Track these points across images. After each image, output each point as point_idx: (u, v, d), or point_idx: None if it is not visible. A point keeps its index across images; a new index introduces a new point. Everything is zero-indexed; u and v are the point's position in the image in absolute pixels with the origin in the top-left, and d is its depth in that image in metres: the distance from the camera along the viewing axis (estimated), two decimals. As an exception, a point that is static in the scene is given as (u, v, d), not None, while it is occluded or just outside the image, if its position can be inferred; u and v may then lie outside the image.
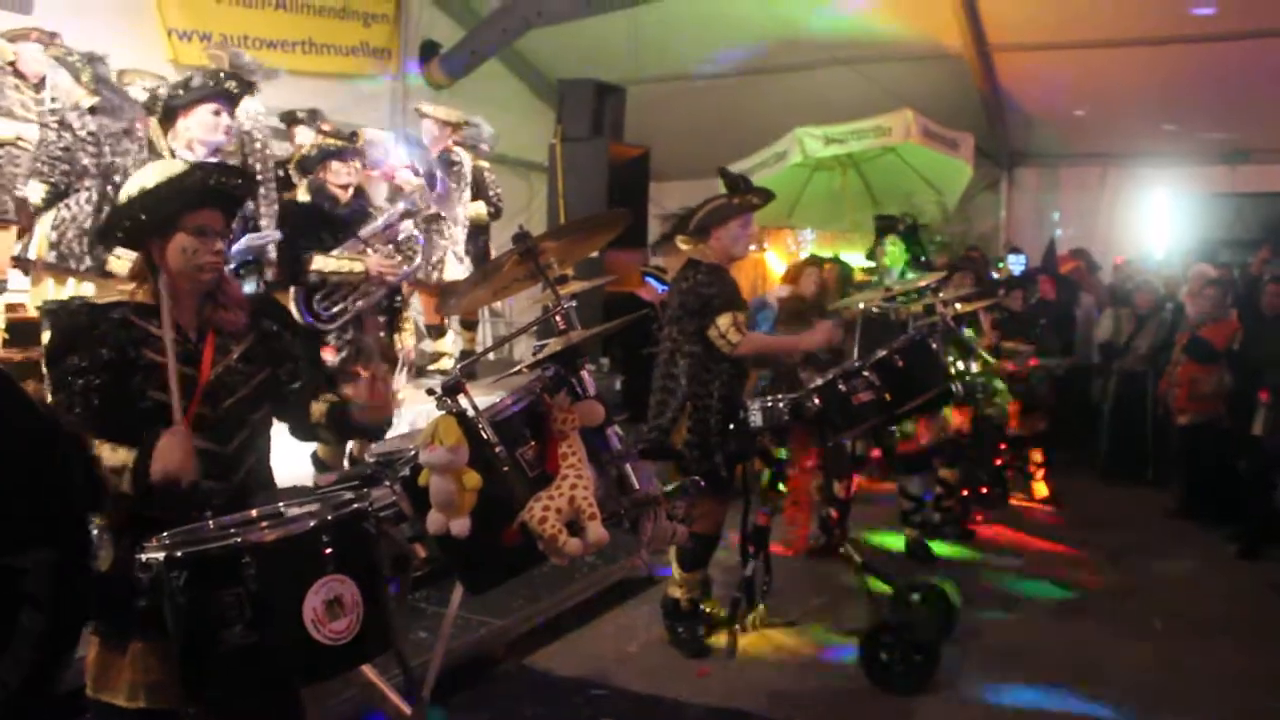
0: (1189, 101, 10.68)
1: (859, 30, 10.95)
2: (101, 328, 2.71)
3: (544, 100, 12.51)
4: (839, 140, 10.02)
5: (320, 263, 5.48)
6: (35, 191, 5.58)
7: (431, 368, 7.61)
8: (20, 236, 6.15)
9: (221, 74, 5.08)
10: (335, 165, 5.72)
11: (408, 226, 5.96)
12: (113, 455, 2.61)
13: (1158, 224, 11.84)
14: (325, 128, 6.68)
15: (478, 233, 8.27)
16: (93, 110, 5.57)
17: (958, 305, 5.82)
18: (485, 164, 8.41)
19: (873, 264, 7.29)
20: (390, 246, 5.79)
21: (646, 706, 4.59)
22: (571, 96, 9.78)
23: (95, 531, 2.69)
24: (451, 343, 8.13)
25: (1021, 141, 12.35)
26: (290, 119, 7.69)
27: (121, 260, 4.49)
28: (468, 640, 4.73)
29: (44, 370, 2.77)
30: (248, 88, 5.18)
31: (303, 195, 5.88)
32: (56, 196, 5.51)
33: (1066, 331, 9.90)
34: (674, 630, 5.18)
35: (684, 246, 5.07)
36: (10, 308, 6.44)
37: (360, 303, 5.62)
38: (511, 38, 11.21)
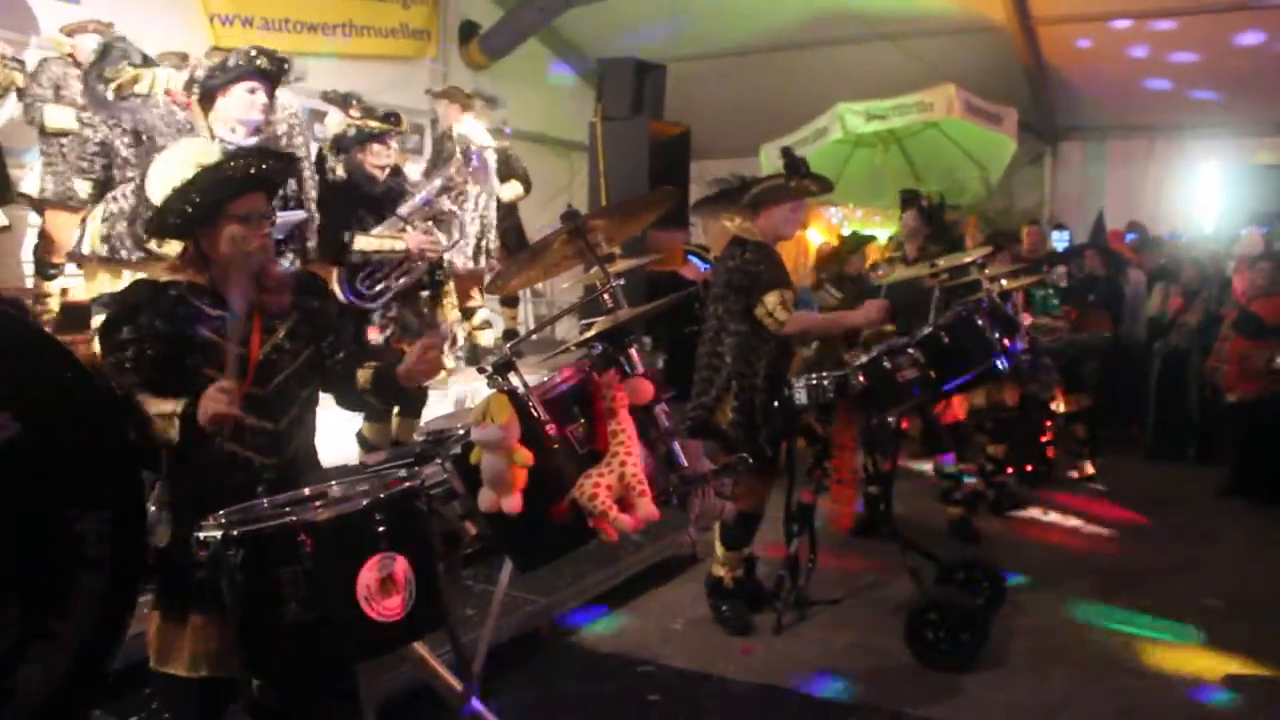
0: (1237, 71, 10.47)
1: (901, 4, 10.82)
2: (159, 303, 2.78)
3: (584, 79, 12.48)
4: (881, 116, 9.95)
5: (362, 242, 5.54)
6: (82, 188, 5.67)
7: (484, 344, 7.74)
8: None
9: (254, 52, 5.12)
10: (376, 147, 5.76)
11: (445, 202, 6.01)
12: (160, 403, 2.67)
13: (1207, 197, 11.64)
14: (353, 112, 6.73)
15: (509, 212, 8.31)
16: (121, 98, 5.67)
17: (1003, 282, 5.75)
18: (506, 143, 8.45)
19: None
20: (430, 223, 5.83)
21: (692, 683, 4.60)
22: (611, 75, 9.76)
23: (153, 509, 2.75)
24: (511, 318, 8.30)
25: (1066, 115, 12.18)
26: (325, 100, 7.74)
27: (169, 245, 4.57)
28: (516, 617, 4.75)
29: (98, 341, 2.84)
30: (280, 65, 5.21)
31: (339, 174, 5.92)
32: (103, 189, 5.57)
33: (1115, 306, 9.77)
34: (718, 609, 5.19)
35: (728, 223, 5.05)
36: (64, 291, 6.54)
37: (402, 280, 5.67)
38: (550, 17, 11.20)
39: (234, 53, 5.27)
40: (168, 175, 2.91)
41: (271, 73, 5.09)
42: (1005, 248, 7.71)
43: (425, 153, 9.45)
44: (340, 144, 5.91)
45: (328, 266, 5.85)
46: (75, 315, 6.18)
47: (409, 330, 5.79)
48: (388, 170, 5.89)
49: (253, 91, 4.95)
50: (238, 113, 4.94)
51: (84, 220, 5.76)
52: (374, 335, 5.66)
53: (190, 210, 2.79)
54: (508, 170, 8.25)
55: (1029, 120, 11.51)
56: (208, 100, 5.04)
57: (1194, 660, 4.84)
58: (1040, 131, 12.19)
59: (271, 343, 2.91)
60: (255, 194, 2.88)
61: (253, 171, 2.85)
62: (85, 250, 5.63)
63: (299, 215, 5.57)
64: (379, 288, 5.68)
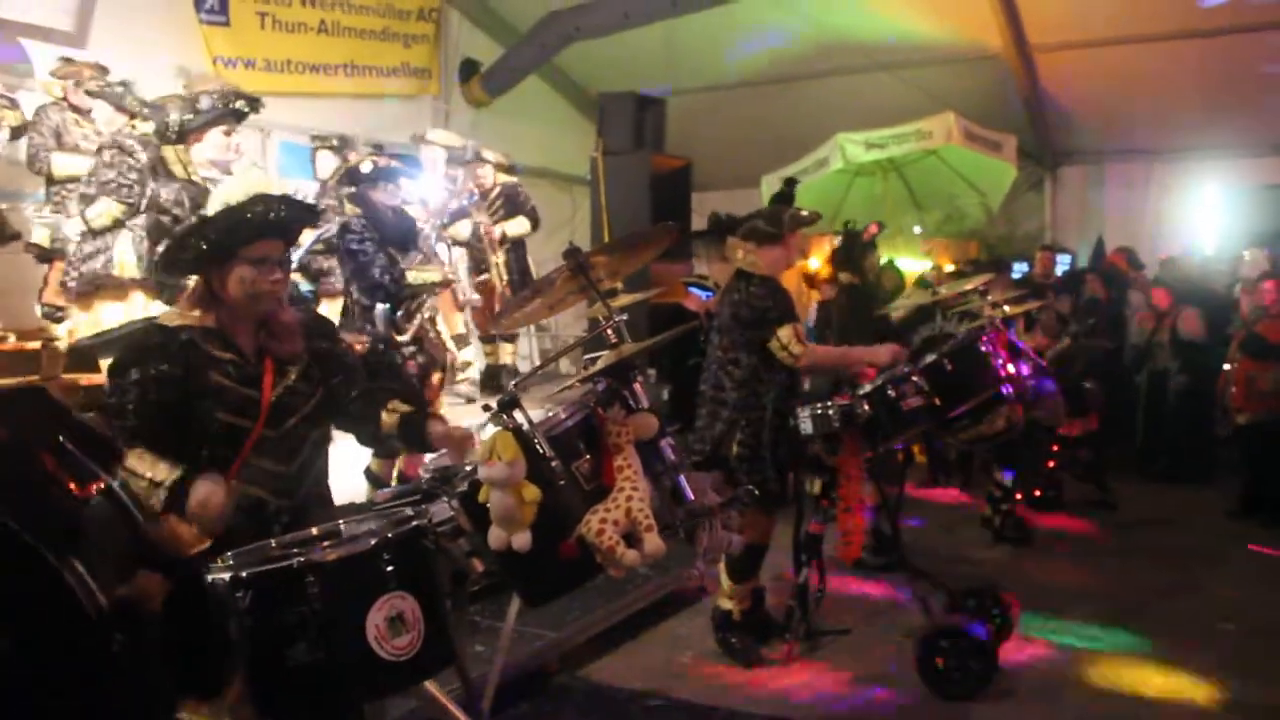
0: (1235, 92, 10.52)
1: (899, 34, 10.91)
2: (169, 348, 2.78)
3: (584, 114, 12.58)
4: (880, 145, 10.01)
5: (413, 276, 5.61)
6: (107, 209, 5.45)
7: (460, 378, 7.75)
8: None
9: (230, 94, 5.17)
10: (390, 187, 5.81)
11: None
12: (152, 468, 2.67)
13: (1207, 219, 11.66)
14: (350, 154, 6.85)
15: (516, 246, 8.42)
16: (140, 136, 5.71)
17: (1006, 308, 5.78)
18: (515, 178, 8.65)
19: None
20: (436, 254, 5.90)
21: (702, 716, 4.57)
22: (612, 109, 9.82)
23: None
24: (473, 353, 8.38)
25: (1065, 140, 12.23)
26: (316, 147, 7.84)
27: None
28: (524, 653, 4.74)
29: (106, 382, 2.85)
30: (254, 106, 5.26)
31: (350, 210, 5.97)
32: (131, 216, 5.55)
33: (1118, 330, 9.78)
34: (727, 642, 5.16)
35: (735, 256, 5.05)
36: (71, 334, 6.54)
37: (427, 313, 5.72)
38: (550, 53, 11.30)
39: (204, 96, 5.28)
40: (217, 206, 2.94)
41: (245, 114, 5.13)
42: (1001, 272, 7.76)
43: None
44: (352, 178, 5.94)
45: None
46: (82, 357, 6.18)
47: (436, 360, 5.83)
48: (393, 210, 5.94)
49: (228, 133, 5.00)
50: (213, 154, 4.98)
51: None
52: (411, 368, 5.70)
53: (204, 248, 2.81)
54: (514, 206, 8.37)
55: (1028, 146, 11.57)
56: (183, 142, 5.08)
57: (1207, 685, 4.80)
58: (1039, 157, 12.25)
59: (283, 385, 2.91)
60: (271, 240, 2.89)
61: (271, 218, 2.86)
62: (115, 272, 5.55)
63: (329, 228, 5.59)
64: (412, 322, 5.74)
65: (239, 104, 5.13)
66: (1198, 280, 10.02)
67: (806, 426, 4.81)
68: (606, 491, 2.66)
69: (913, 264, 10.11)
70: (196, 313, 2.87)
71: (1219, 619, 5.68)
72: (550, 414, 2.85)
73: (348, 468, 5.48)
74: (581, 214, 11.14)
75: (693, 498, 2.88)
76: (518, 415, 2.62)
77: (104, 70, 6.58)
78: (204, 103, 5.18)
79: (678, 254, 9.06)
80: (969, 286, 5.72)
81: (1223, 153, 11.36)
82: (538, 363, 9.55)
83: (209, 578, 2.45)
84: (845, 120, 10.34)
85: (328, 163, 7.56)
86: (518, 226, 8.34)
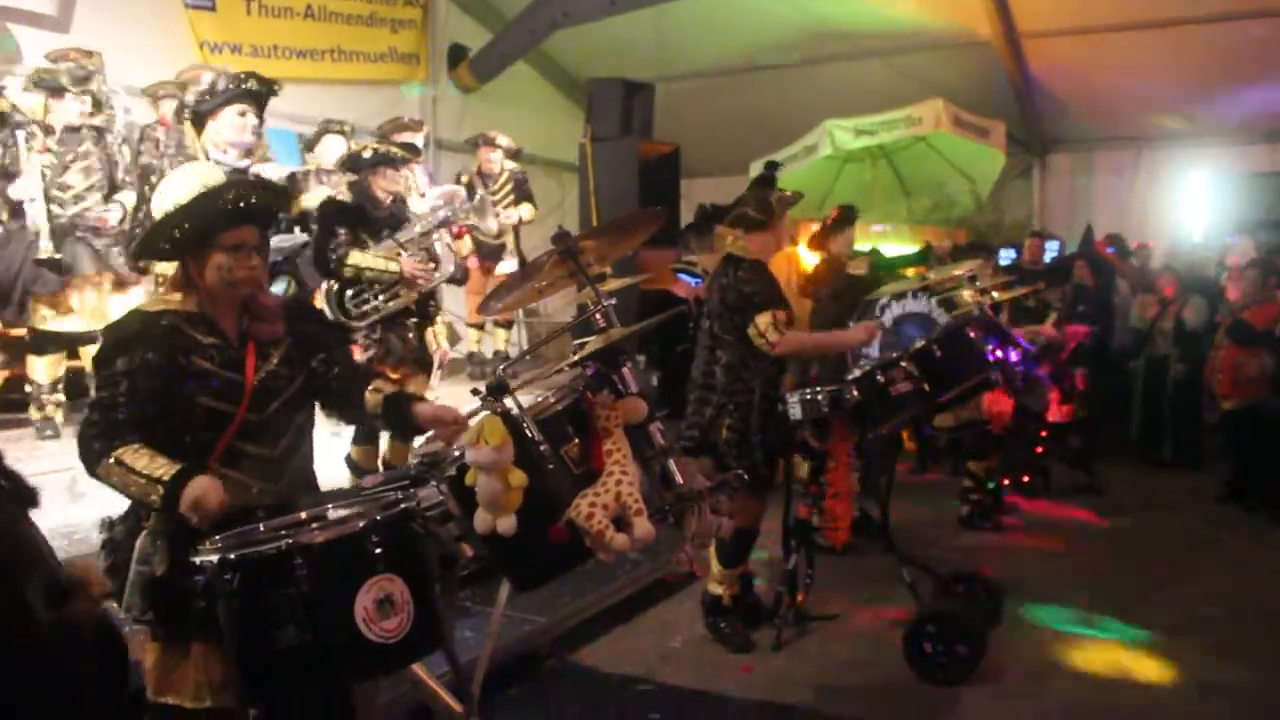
0: (1224, 80, 10.52)
1: (888, 21, 10.89)
2: (152, 334, 2.76)
3: (572, 100, 12.54)
4: (869, 132, 10.01)
5: (356, 258, 5.49)
6: (128, 200, 5.73)
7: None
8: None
9: (242, 75, 5.18)
10: (390, 173, 5.74)
11: (442, 235, 5.99)
12: (150, 464, 2.63)
13: (1195, 206, 11.69)
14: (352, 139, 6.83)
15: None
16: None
17: (994, 294, 5.79)
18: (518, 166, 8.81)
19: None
20: (424, 253, 5.80)
21: (693, 702, 4.59)
22: (600, 95, 9.80)
23: (147, 536, 2.73)
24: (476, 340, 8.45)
25: (1054, 127, 12.24)
26: (325, 130, 7.79)
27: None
28: (514, 638, 4.74)
29: (93, 373, 2.85)
30: (269, 86, 5.25)
31: (344, 195, 5.93)
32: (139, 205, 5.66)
33: (1105, 316, 9.81)
34: (716, 627, 5.17)
35: (725, 239, 5.04)
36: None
37: (391, 304, 5.62)
38: (538, 39, 11.26)
39: (221, 76, 5.30)
40: (174, 196, 2.90)
41: (260, 94, 5.13)
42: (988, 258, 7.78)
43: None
44: (354, 164, 5.89)
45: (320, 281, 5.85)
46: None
47: (392, 353, 5.70)
48: (392, 197, 5.88)
49: (242, 114, 5.00)
50: (229, 135, 4.98)
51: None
52: (357, 354, 5.62)
53: (180, 236, 2.79)
54: (522, 193, 8.52)
55: (1017, 133, 11.58)
56: (199, 124, 5.08)
57: (1194, 670, 4.83)
58: (1028, 144, 12.26)
59: (266, 369, 2.89)
60: (247, 226, 2.86)
61: (244, 205, 2.84)
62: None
63: (296, 239, 5.57)
64: (366, 308, 5.63)
65: (251, 84, 5.13)
66: (1194, 267, 10.06)
67: (795, 411, 4.82)
68: (595, 476, 2.66)
69: (897, 249, 10.11)
70: (178, 296, 2.85)
71: (1207, 603, 5.71)
72: (539, 398, 2.85)
73: (327, 457, 5.46)
74: (570, 200, 11.12)
75: (681, 482, 2.88)
76: (506, 400, 2.61)
77: (89, 55, 6.53)
78: (220, 84, 5.19)
79: (666, 241, 9.05)
80: (957, 272, 5.73)
81: (1211, 140, 11.39)
82: (527, 348, 9.56)
83: (197, 559, 2.45)
84: (834, 106, 10.33)
85: (336, 147, 7.46)
86: (529, 212, 8.62)
